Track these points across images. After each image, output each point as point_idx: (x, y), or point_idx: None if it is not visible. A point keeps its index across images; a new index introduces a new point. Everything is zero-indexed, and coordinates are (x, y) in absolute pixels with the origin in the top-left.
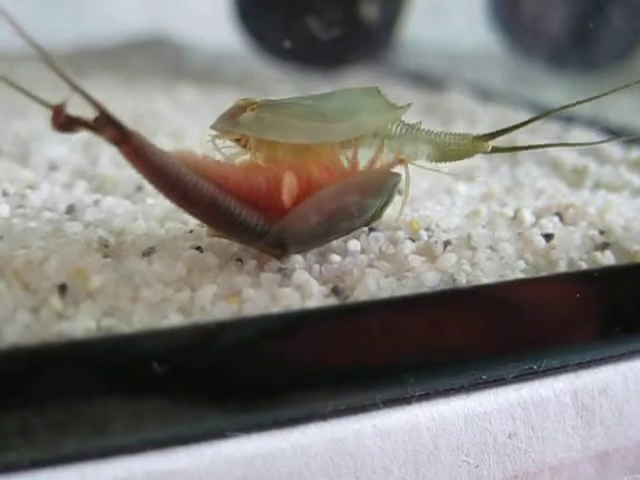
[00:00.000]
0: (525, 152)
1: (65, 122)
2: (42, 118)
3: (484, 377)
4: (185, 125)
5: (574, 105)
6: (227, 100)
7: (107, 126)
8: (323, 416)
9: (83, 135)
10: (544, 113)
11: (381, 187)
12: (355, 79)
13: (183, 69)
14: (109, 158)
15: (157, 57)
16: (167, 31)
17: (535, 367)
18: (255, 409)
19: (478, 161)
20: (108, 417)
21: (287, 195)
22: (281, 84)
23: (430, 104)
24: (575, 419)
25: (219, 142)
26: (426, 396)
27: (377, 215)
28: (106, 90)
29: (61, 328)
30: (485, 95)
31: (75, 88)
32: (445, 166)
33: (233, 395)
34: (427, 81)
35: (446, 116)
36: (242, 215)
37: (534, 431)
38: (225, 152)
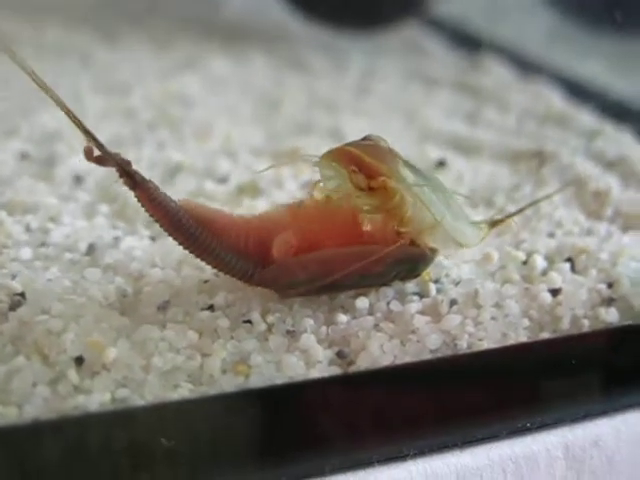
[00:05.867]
0: (551, 167)
1: (95, 160)
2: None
3: (478, 435)
4: (212, 116)
5: None
6: (256, 74)
7: (124, 175)
8: (323, 473)
9: (111, 134)
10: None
11: (384, 259)
12: (392, 39)
13: (215, 23)
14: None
15: (191, 5)
16: None
17: (529, 425)
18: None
19: (502, 178)
20: None
21: (276, 252)
22: (311, 47)
23: (464, 82)
24: (565, 470)
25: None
26: (421, 454)
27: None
28: (135, 63)
29: (78, 402)
30: (522, 65)
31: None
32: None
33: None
34: (467, 40)
35: (478, 97)
36: (233, 260)
37: None
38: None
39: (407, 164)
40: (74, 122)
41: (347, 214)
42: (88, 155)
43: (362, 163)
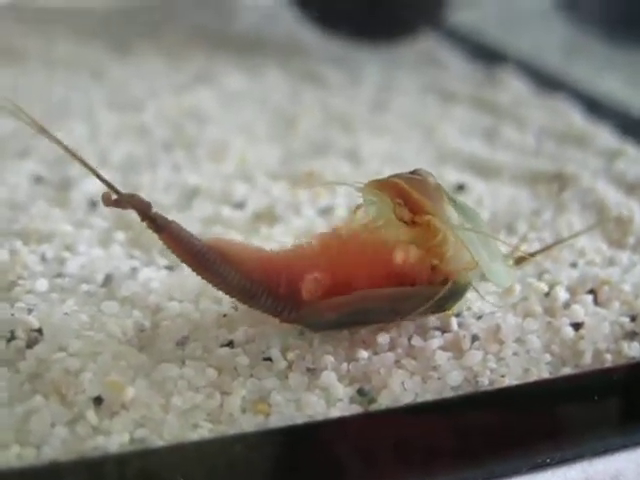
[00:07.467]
0: (571, 191)
1: (114, 204)
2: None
3: (498, 472)
4: (227, 134)
5: None
6: (271, 89)
7: (146, 219)
8: None
9: (125, 155)
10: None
11: (416, 299)
12: (407, 51)
13: (228, 36)
14: (147, 189)
15: (205, 15)
16: None
17: (549, 460)
18: None
19: (522, 203)
20: None
21: (306, 294)
22: (326, 60)
23: (481, 97)
24: None
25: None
26: None
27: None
28: (147, 77)
29: (97, 442)
30: (539, 78)
31: (112, 187)
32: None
33: None
34: (483, 51)
35: (495, 113)
36: (263, 298)
37: None
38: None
39: (451, 200)
40: (88, 168)
41: (380, 248)
42: (107, 201)
43: (409, 198)
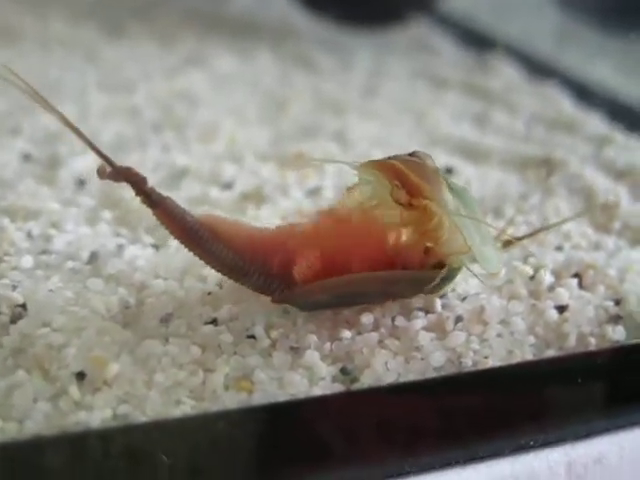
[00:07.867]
0: (559, 175)
1: (109, 176)
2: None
3: (480, 453)
4: (217, 116)
5: None
6: (262, 72)
7: (141, 194)
8: None
9: (115, 134)
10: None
11: (408, 282)
12: (398, 36)
13: (221, 18)
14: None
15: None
16: None
17: (532, 442)
18: None
19: (510, 186)
20: None
21: (297, 274)
22: (318, 44)
23: (472, 82)
24: None
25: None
26: (423, 471)
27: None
28: (140, 58)
29: (79, 418)
30: (530, 64)
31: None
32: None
33: None
34: (474, 37)
35: (486, 99)
36: (255, 276)
37: None
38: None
39: (448, 185)
40: (84, 141)
41: (374, 229)
42: (102, 174)
43: (407, 180)
